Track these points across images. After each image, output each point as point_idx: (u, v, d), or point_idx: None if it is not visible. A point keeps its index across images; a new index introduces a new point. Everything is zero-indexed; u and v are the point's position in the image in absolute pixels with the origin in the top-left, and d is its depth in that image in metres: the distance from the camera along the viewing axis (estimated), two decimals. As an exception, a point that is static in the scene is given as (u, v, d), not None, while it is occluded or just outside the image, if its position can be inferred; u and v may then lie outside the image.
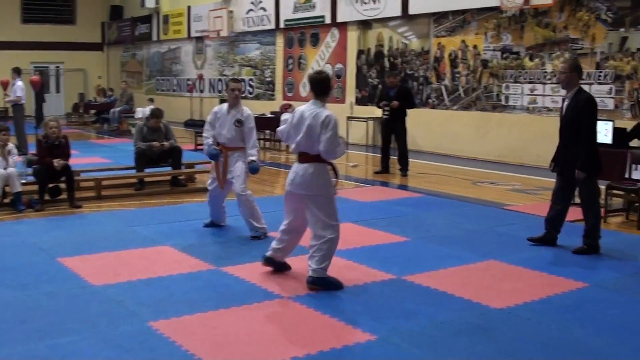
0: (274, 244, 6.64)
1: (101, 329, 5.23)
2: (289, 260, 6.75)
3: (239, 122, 8.09)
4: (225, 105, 8.28)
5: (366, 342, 5.00)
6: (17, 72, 16.88)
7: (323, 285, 6.18)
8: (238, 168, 8.13)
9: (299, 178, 6.21)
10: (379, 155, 14.09)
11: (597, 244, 7.55)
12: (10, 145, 10.04)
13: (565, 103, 7.52)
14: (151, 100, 23.37)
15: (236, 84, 8.27)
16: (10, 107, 16.55)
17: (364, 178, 13.25)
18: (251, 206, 8.05)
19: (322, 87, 6.30)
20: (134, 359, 4.71)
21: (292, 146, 6.38)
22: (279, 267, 6.69)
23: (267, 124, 18.14)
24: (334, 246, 6.25)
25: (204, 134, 8.44)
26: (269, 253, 6.65)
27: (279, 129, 6.65)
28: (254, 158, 8.01)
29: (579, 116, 7.28)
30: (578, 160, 7.36)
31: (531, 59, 14.78)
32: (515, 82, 15.15)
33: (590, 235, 7.56)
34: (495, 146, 15.52)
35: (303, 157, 6.26)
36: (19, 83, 16.42)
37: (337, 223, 6.25)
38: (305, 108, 6.29)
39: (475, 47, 16.03)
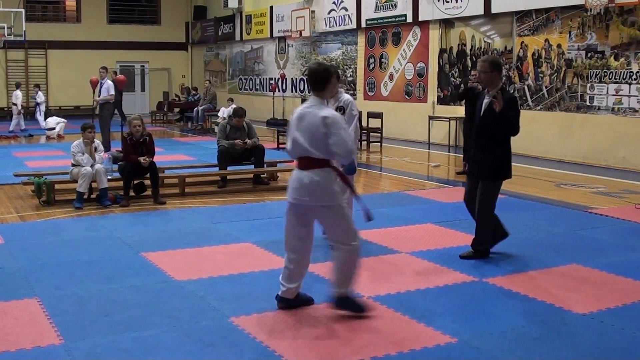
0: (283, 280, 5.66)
1: (183, 323, 5.35)
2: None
3: None
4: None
5: (446, 345, 4.97)
6: (107, 70, 17.18)
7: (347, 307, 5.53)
8: None
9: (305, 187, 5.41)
10: (461, 155, 13.95)
11: (487, 249, 7.29)
12: (97, 142, 10.32)
13: (485, 101, 7.09)
14: (231, 100, 23.66)
15: None
16: (98, 105, 16.72)
17: (446, 178, 13.15)
18: None
19: (315, 80, 5.48)
20: (215, 353, 4.80)
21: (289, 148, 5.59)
22: (299, 303, 5.72)
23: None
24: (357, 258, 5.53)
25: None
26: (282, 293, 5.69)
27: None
28: None
29: (501, 115, 6.91)
30: (492, 161, 7.13)
31: (616, 59, 14.40)
32: (600, 82, 14.78)
33: (479, 241, 7.28)
34: (579, 147, 15.19)
35: (305, 163, 5.47)
36: (110, 82, 16.60)
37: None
38: (302, 107, 5.54)
39: (559, 46, 15.70)
